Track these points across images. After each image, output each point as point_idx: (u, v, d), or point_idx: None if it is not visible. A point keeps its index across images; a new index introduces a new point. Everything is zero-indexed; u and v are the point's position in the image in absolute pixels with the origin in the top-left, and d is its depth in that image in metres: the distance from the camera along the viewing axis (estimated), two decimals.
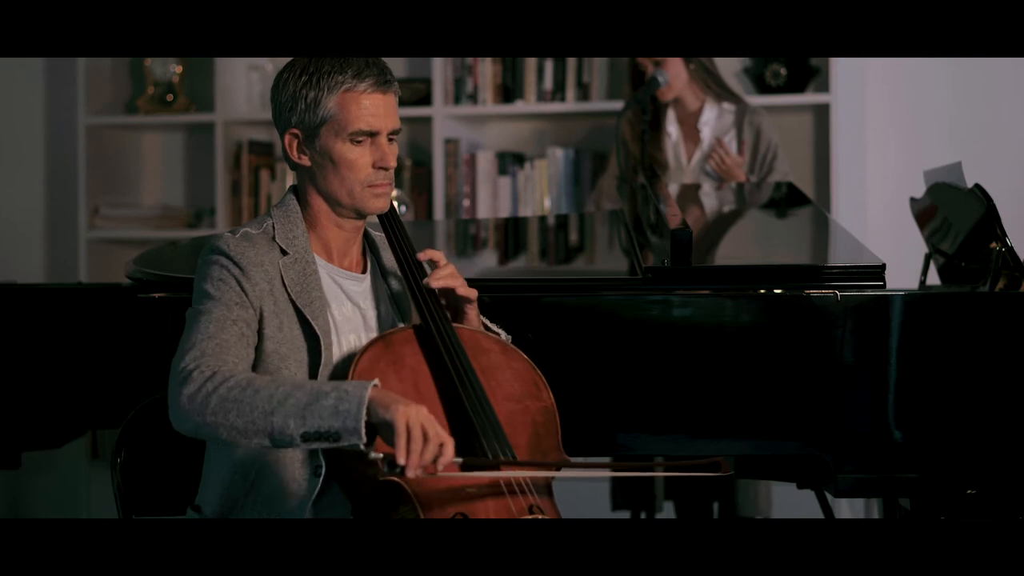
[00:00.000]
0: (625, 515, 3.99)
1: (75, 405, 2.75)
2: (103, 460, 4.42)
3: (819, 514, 2.95)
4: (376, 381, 1.96)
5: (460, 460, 1.95)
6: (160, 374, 2.50)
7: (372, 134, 2.13)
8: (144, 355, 2.65)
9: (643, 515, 3.90)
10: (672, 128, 3.87)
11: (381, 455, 1.91)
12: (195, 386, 1.97)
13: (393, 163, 2.15)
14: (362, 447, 1.92)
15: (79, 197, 4.62)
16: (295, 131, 2.15)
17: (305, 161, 2.16)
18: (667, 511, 4.04)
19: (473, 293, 2.22)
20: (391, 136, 2.16)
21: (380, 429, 1.93)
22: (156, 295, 2.66)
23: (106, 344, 2.72)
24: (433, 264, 2.21)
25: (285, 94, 2.15)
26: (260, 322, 2.10)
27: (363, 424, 1.91)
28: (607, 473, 2.11)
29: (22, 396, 2.77)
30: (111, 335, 2.72)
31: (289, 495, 2.09)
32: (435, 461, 1.92)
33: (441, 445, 1.91)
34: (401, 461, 1.89)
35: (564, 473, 2.10)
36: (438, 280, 2.18)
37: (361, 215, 2.18)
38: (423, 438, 1.90)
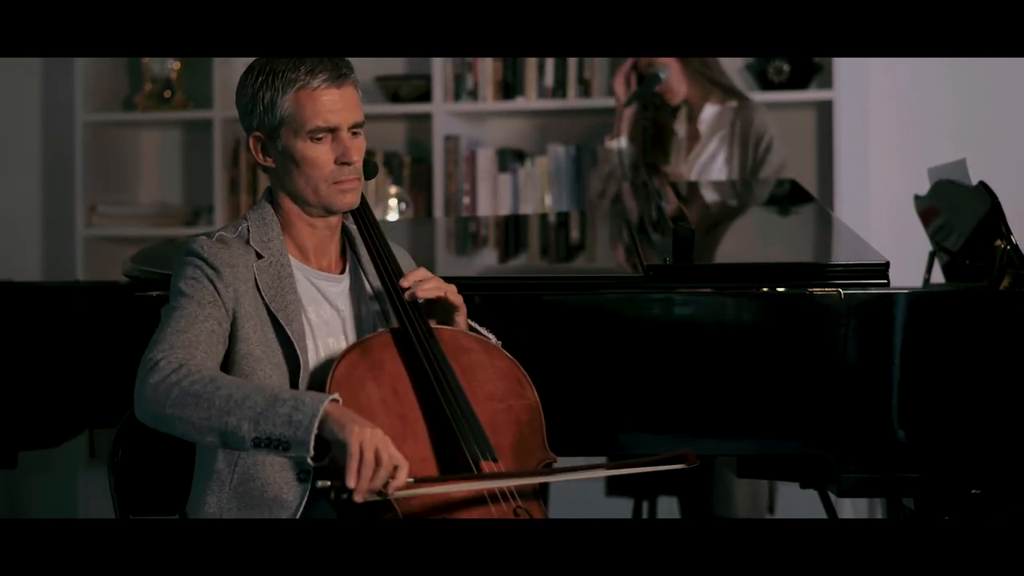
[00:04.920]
0: (621, 502, 3.97)
1: (72, 404, 2.74)
2: (100, 459, 4.40)
3: (822, 514, 2.94)
4: (336, 396, 1.94)
5: (412, 480, 1.92)
6: None
7: (331, 130, 2.12)
8: (141, 354, 2.62)
9: (645, 504, 3.88)
10: (679, 127, 3.87)
11: (328, 483, 1.88)
12: (160, 376, 1.96)
13: (355, 157, 2.13)
14: (309, 460, 1.90)
15: (76, 195, 4.61)
16: (258, 133, 2.15)
17: (270, 163, 2.16)
18: (670, 507, 4.03)
19: (461, 301, 2.20)
20: (354, 130, 2.14)
21: (334, 447, 1.90)
22: (153, 293, 2.64)
23: (103, 343, 2.70)
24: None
25: (244, 98, 2.15)
26: (234, 324, 2.09)
27: (312, 437, 1.88)
28: (566, 478, 2.07)
29: (19, 395, 2.76)
30: (108, 333, 2.70)
31: (275, 502, 2.07)
32: (386, 485, 1.89)
33: (395, 468, 1.89)
34: (351, 484, 1.86)
35: (523, 481, 2.06)
36: (425, 291, 2.16)
37: (330, 212, 2.17)
38: (375, 462, 1.88)
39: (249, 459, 2.07)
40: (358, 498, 1.86)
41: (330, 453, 1.92)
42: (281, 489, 2.06)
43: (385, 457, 1.88)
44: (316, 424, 1.88)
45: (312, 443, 1.88)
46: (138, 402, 2.00)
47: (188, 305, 2.06)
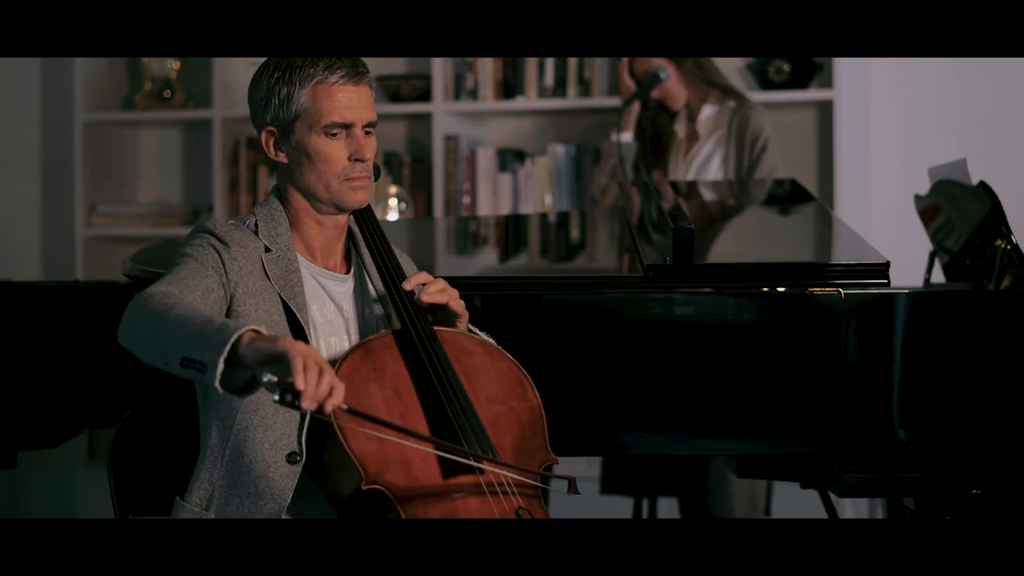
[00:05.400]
0: (621, 501, 3.96)
1: (71, 404, 2.74)
2: (100, 459, 4.40)
3: (822, 514, 2.94)
4: (259, 327, 1.87)
5: (347, 408, 1.87)
6: (157, 373, 2.49)
7: (346, 126, 2.13)
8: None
9: (645, 500, 3.88)
10: (679, 127, 3.87)
11: (276, 378, 1.80)
12: (141, 298, 1.96)
13: (369, 155, 2.14)
14: (217, 386, 1.82)
15: (76, 194, 4.60)
16: (271, 128, 2.16)
17: (282, 158, 2.17)
18: (670, 507, 4.02)
19: (463, 308, 2.20)
20: (367, 128, 2.15)
21: (264, 369, 1.81)
22: None
23: (103, 343, 2.70)
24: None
25: (259, 92, 2.15)
26: (233, 298, 2.08)
27: (221, 359, 1.81)
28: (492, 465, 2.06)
29: (18, 395, 2.75)
30: (108, 333, 2.69)
31: (262, 479, 2.06)
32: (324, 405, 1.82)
33: (332, 387, 1.82)
34: (299, 385, 1.78)
35: (459, 458, 2.02)
36: (429, 295, 2.16)
37: (340, 209, 2.17)
38: (318, 370, 1.81)
39: (239, 436, 2.07)
40: (306, 403, 1.79)
41: (255, 387, 1.86)
42: (268, 467, 2.06)
43: (326, 370, 1.82)
44: (228, 347, 1.81)
45: (220, 365, 1.81)
46: (120, 324, 1.98)
47: (190, 263, 2.07)
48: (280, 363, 1.81)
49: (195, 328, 1.86)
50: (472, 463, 2.03)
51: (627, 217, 3.23)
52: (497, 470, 2.05)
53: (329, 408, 1.82)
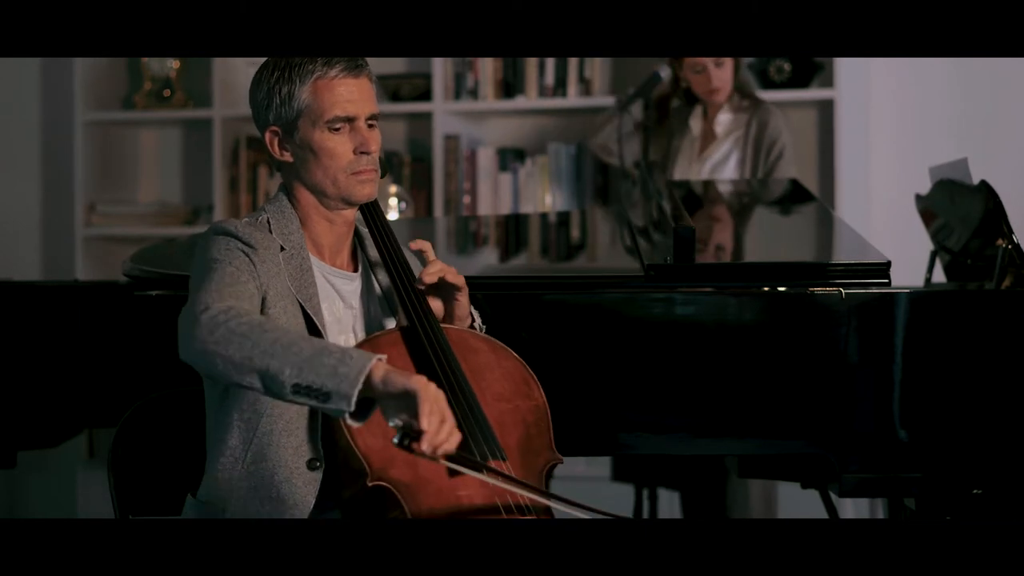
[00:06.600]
0: (622, 498, 3.97)
1: (71, 404, 2.74)
2: (99, 459, 4.40)
3: (823, 514, 2.94)
4: (384, 356, 1.89)
5: (455, 453, 1.89)
6: (157, 372, 2.50)
7: (350, 119, 2.13)
8: (141, 353, 2.63)
9: (646, 492, 3.88)
10: (695, 122, 3.87)
11: (400, 422, 1.84)
12: (210, 313, 1.92)
13: (374, 147, 2.15)
14: (347, 418, 1.85)
15: (75, 194, 4.60)
16: (274, 128, 2.15)
17: (287, 157, 2.16)
18: (672, 503, 4.02)
19: (462, 280, 2.20)
20: (370, 121, 2.16)
21: (390, 400, 1.85)
22: (153, 293, 2.64)
23: (102, 342, 2.70)
24: (421, 256, 2.19)
25: (260, 93, 2.15)
26: (264, 301, 2.07)
27: (356, 391, 1.84)
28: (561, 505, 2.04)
29: (18, 395, 2.75)
30: (107, 333, 2.70)
31: (286, 484, 2.06)
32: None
33: (450, 435, 1.86)
34: (424, 427, 1.82)
35: (545, 501, 2.02)
36: (430, 276, 2.15)
37: (349, 203, 2.17)
38: (441, 416, 1.85)
39: (263, 439, 2.06)
40: (425, 446, 1.82)
41: (374, 410, 1.89)
42: (292, 473, 2.06)
43: (448, 414, 1.86)
44: (362, 379, 1.84)
45: (355, 397, 1.84)
46: (183, 338, 1.94)
47: (227, 268, 2.03)
48: (406, 399, 1.84)
49: (308, 353, 1.87)
50: (582, 513, 1.98)
51: (628, 217, 3.23)
52: (559, 506, 2.01)
53: (440, 453, 1.85)
